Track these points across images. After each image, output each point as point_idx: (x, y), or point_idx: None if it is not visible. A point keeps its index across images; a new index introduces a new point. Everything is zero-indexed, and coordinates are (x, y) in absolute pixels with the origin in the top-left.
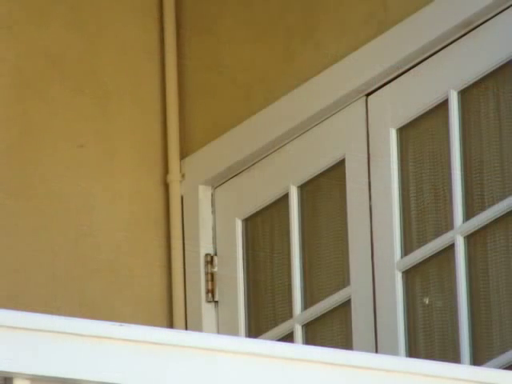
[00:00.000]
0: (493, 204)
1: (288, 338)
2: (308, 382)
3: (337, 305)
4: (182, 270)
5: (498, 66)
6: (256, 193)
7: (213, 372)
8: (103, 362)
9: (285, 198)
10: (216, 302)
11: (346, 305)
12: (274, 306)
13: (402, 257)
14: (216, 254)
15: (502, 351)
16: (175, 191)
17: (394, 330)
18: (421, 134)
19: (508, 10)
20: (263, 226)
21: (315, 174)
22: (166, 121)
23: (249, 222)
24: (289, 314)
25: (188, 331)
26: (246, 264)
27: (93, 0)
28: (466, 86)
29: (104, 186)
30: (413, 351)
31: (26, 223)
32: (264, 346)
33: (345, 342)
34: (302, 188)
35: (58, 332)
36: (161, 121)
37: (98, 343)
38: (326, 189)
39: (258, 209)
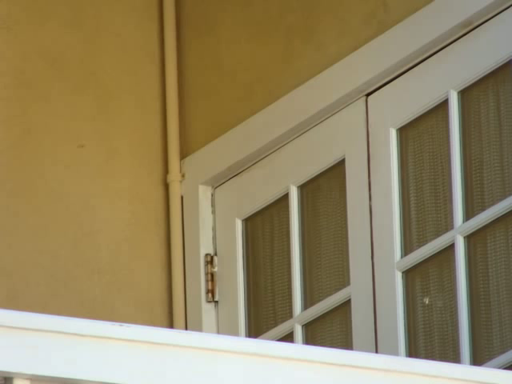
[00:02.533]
0: (493, 204)
1: (288, 337)
2: (308, 382)
3: (337, 305)
4: (182, 269)
5: (497, 66)
6: (256, 193)
7: (213, 372)
8: (103, 361)
9: (285, 198)
10: (216, 302)
11: (346, 305)
12: (274, 306)
13: (401, 257)
14: (216, 254)
15: (502, 351)
16: (175, 191)
17: (394, 330)
18: (421, 134)
19: (508, 9)
20: (263, 226)
21: (315, 174)
22: (166, 121)
23: (249, 222)
24: (289, 314)
25: (188, 331)
26: (246, 264)
27: (93, 0)
28: (465, 86)
29: (104, 186)
30: (413, 351)
31: (26, 223)
32: (264, 345)
33: (345, 342)
34: (302, 188)
35: (58, 332)
36: (161, 121)
37: (97, 343)
38: (325, 189)
39: (258, 209)
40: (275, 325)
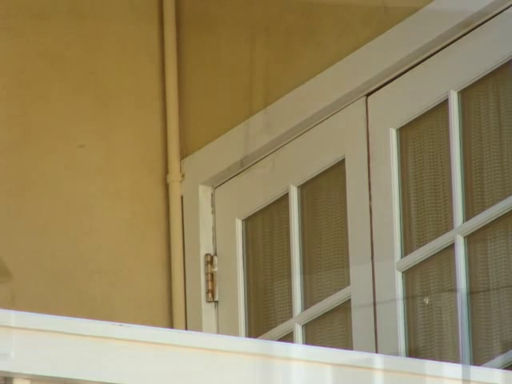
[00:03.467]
0: (493, 204)
1: (288, 337)
2: (308, 381)
3: (337, 305)
4: (182, 269)
5: (497, 66)
6: (256, 193)
7: (213, 372)
8: (103, 361)
9: (285, 198)
10: (216, 302)
11: (346, 305)
12: (274, 306)
13: (401, 257)
14: (216, 254)
15: (502, 351)
16: (175, 191)
17: (394, 330)
18: (421, 134)
19: (508, 9)
20: (263, 226)
21: (315, 174)
22: (166, 121)
23: (249, 222)
24: (289, 314)
25: (188, 331)
26: (246, 264)
27: (93, 0)
28: (465, 86)
29: (104, 186)
30: (413, 351)
31: (26, 223)
32: (264, 345)
33: (345, 341)
34: (302, 188)
35: (58, 332)
36: (161, 121)
37: (97, 343)
38: (325, 189)
39: (258, 209)
40: (275, 325)
